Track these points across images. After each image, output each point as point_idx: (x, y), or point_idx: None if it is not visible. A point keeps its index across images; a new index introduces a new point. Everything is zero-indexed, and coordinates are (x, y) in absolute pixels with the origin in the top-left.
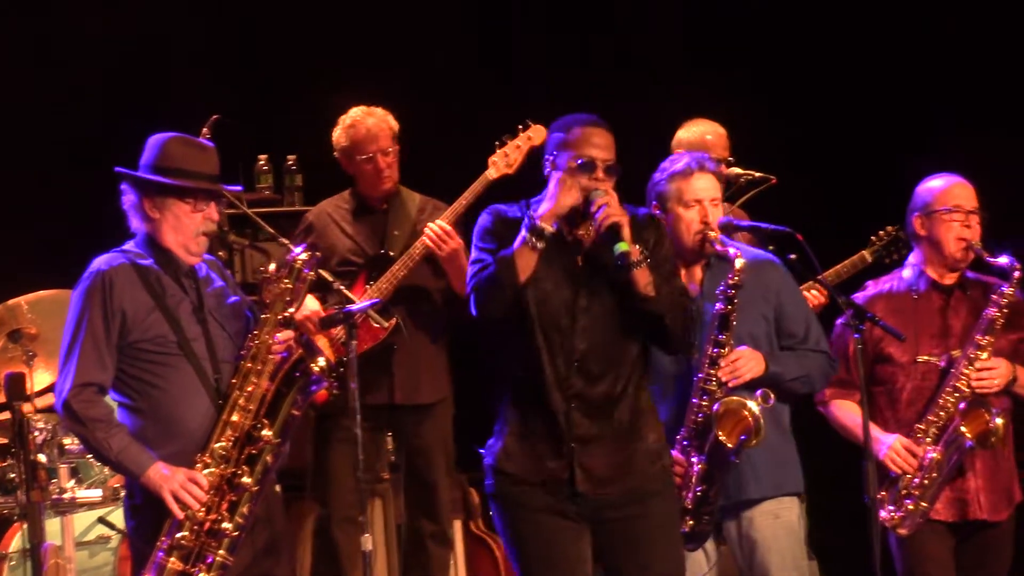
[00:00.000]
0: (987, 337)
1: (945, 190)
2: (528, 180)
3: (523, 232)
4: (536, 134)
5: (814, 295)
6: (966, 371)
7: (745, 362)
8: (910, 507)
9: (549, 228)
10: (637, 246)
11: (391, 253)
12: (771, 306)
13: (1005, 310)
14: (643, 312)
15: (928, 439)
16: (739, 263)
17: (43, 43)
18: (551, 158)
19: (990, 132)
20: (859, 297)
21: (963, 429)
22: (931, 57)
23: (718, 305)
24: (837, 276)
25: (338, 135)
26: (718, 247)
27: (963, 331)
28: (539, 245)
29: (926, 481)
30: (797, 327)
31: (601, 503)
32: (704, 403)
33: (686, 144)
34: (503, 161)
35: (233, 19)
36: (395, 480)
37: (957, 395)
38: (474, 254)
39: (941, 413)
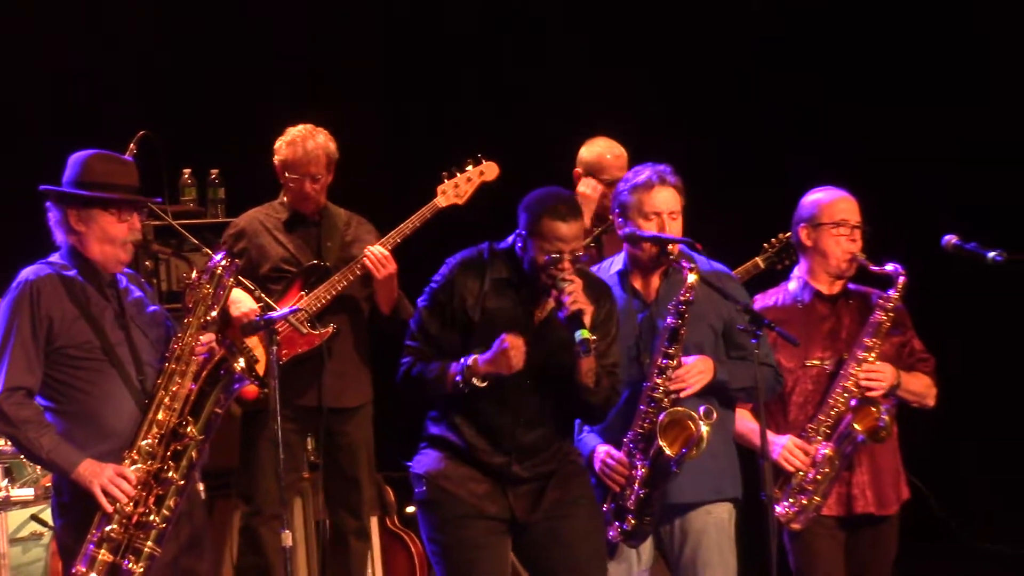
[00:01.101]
0: (874, 340)
1: (831, 203)
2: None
3: (457, 376)
4: (488, 171)
5: None
6: (854, 372)
7: (695, 373)
8: (804, 502)
9: (480, 384)
10: (592, 336)
11: (327, 264)
12: (721, 318)
13: (891, 314)
14: (578, 394)
15: (819, 437)
16: (691, 279)
17: None
18: (523, 235)
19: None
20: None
21: (855, 425)
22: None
23: (669, 319)
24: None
25: (279, 146)
26: (675, 261)
27: (848, 337)
28: (465, 391)
29: (819, 476)
30: (745, 340)
31: (528, 522)
32: (651, 411)
33: (585, 163)
34: (453, 191)
35: (162, 37)
36: (314, 479)
37: (847, 394)
38: (413, 322)
39: (832, 412)
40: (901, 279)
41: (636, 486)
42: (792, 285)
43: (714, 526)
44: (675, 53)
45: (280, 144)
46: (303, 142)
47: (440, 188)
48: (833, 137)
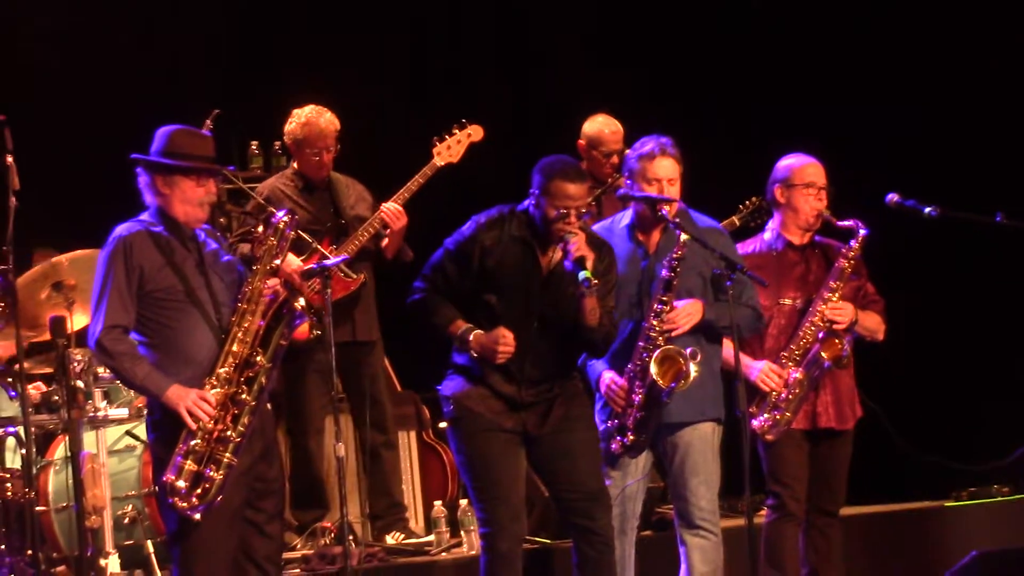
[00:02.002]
0: (837, 283)
1: (802, 167)
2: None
3: (456, 335)
4: (475, 132)
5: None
6: (821, 309)
7: (685, 316)
8: (777, 417)
9: (472, 354)
10: (594, 279)
11: (343, 222)
12: (710, 267)
13: (852, 262)
14: (581, 332)
15: (791, 363)
16: (683, 238)
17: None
18: (535, 194)
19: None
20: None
21: (822, 353)
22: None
23: (664, 272)
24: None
25: (292, 127)
26: (669, 221)
27: (815, 281)
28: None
29: (790, 396)
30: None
31: (538, 435)
32: (647, 347)
33: (588, 135)
34: (447, 152)
35: (231, 26)
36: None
37: (814, 328)
38: (435, 259)
39: (802, 342)
40: (862, 232)
41: (634, 409)
42: (767, 236)
43: (699, 440)
44: (672, 50)
45: (294, 124)
46: (317, 119)
47: (435, 150)
48: (799, 105)
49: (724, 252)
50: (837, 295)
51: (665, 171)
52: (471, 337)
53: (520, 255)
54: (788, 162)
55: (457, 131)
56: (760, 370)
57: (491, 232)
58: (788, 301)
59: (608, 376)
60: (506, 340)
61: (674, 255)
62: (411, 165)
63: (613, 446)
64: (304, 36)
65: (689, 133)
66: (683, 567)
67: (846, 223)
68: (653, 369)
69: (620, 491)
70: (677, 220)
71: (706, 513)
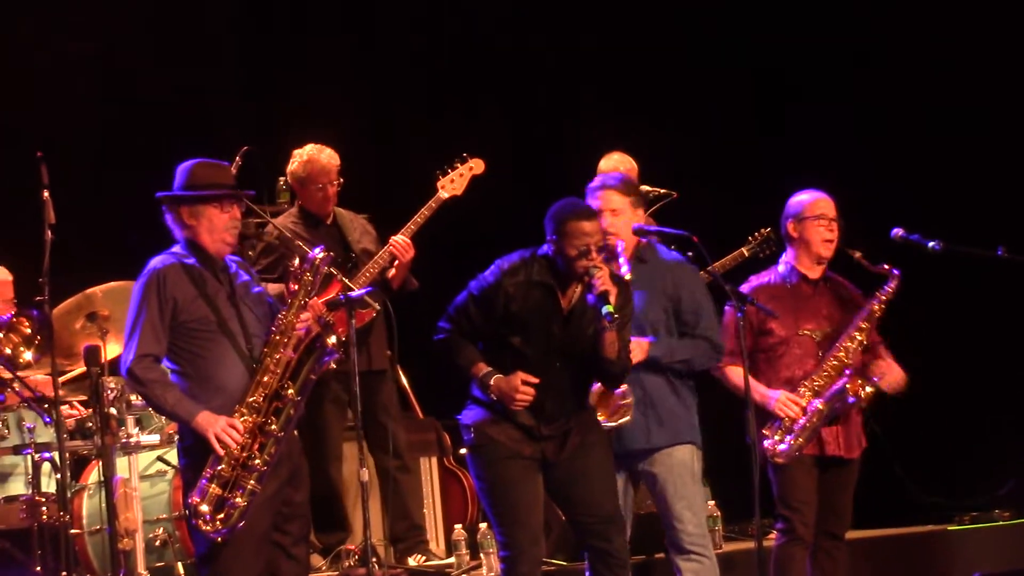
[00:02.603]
0: (867, 324)
1: (813, 202)
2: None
3: (478, 378)
4: (476, 165)
5: None
6: (848, 345)
7: (633, 350)
8: (791, 442)
9: (492, 397)
10: (616, 313)
11: (353, 255)
12: (671, 300)
13: (884, 305)
14: (600, 364)
15: (810, 393)
16: (628, 278)
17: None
18: (554, 239)
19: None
20: (746, 287)
21: (848, 387)
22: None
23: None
24: (723, 267)
25: (295, 166)
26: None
27: (828, 314)
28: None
29: (807, 424)
30: (689, 317)
31: (555, 461)
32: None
33: (605, 172)
34: (451, 185)
35: (258, 77)
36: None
37: (837, 363)
38: (460, 301)
39: (823, 375)
40: (895, 279)
41: None
42: (781, 268)
43: (678, 464)
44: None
45: (296, 163)
46: (318, 156)
47: (439, 184)
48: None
49: (692, 287)
50: (863, 335)
51: (605, 202)
52: (491, 382)
53: (542, 298)
54: (800, 198)
55: (459, 165)
56: (777, 399)
57: (514, 278)
58: (808, 332)
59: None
60: (524, 391)
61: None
62: (412, 199)
63: None
64: (323, 77)
65: (699, 170)
66: None
67: (881, 267)
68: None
69: None
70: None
71: (695, 537)
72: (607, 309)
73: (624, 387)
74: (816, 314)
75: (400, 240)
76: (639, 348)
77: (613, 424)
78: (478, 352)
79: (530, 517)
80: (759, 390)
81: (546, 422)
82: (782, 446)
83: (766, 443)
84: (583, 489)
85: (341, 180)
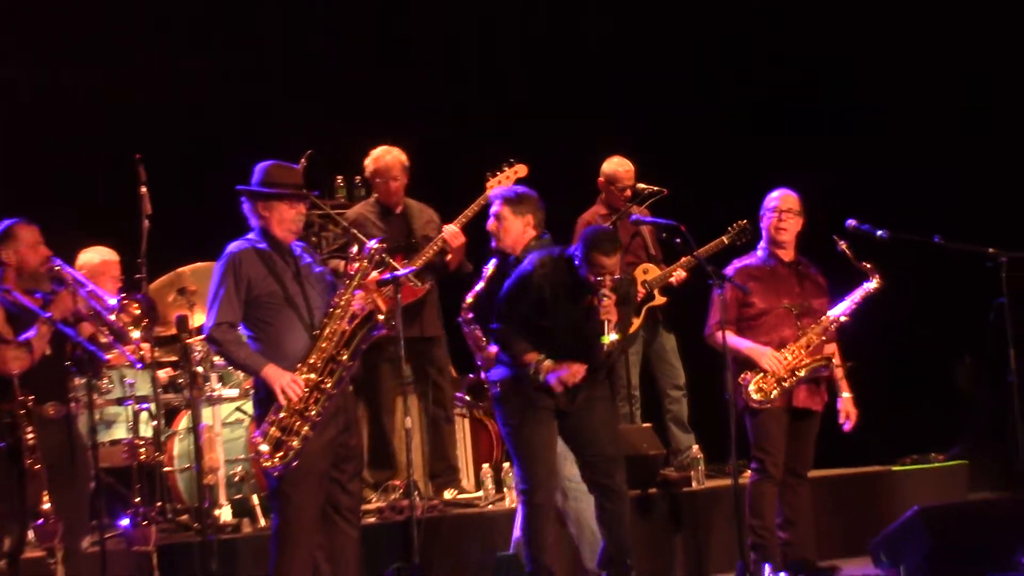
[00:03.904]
0: (846, 310)
1: (773, 197)
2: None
3: (530, 371)
4: (520, 169)
5: (679, 274)
6: (827, 326)
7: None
8: (772, 393)
9: (540, 381)
10: (613, 338)
11: (414, 240)
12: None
13: (861, 302)
14: (592, 356)
15: (792, 357)
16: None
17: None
18: (579, 257)
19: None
20: (730, 269)
21: (833, 362)
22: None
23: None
24: (706, 252)
25: (368, 163)
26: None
27: (802, 291)
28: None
29: (786, 384)
30: None
31: (567, 411)
32: None
33: (606, 173)
34: (497, 185)
35: (324, 82)
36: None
37: (816, 337)
38: (505, 293)
39: (805, 342)
40: (876, 281)
41: None
42: (759, 253)
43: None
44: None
45: (369, 160)
46: (385, 155)
47: (488, 183)
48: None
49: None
50: (841, 321)
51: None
52: (543, 367)
53: (567, 291)
54: (771, 195)
55: (507, 168)
56: (768, 354)
57: (544, 270)
58: (787, 305)
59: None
60: (575, 371)
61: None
62: (464, 195)
63: None
64: (383, 89)
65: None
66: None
67: (863, 265)
68: None
69: None
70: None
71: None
72: (603, 340)
73: None
74: (791, 291)
75: (450, 229)
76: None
77: None
78: (527, 343)
79: (545, 456)
80: (752, 347)
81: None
82: (758, 392)
83: (751, 387)
84: (590, 435)
85: (406, 177)
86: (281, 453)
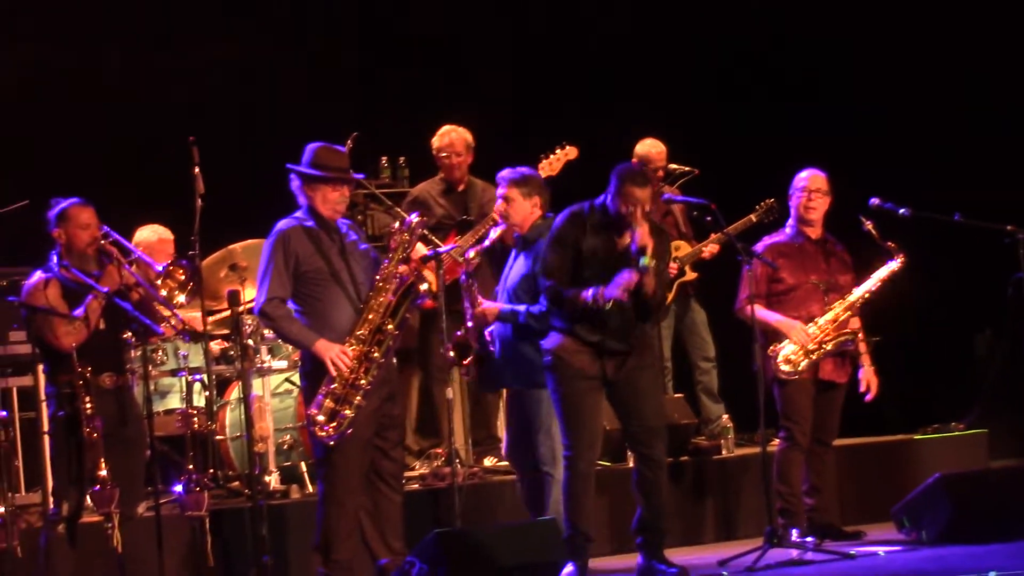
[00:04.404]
0: (873, 287)
1: (800, 176)
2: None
3: (589, 299)
4: (571, 151)
5: (709, 249)
6: (852, 301)
7: (488, 314)
8: (800, 365)
9: (605, 306)
10: (652, 261)
11: (471, 218)
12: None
13: (887, 280)
14: (639, 301)
15: (818, 332)
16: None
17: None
18: (612, 192)
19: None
20: (759, 245)
21: (859, 337)
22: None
23: (463, 279)
24: (735, 230)
25: (434, 140)
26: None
27: (828, 268)
28: (595, 308)
29: (813, 356)
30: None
31: (614, 380)
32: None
33: (639, 155)
34: (548, 167)
35: (372, 69)
36: None
37: (842, 312)
38: (549, 254)
39: (832, 317)
40: (900, 259)
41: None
42: (788, 230)
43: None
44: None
45: (435, 138)
46: (448, 134)
47: (540, 165)
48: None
49: None
50: (868, 297)
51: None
52: (600, 291)
53: (601, 239)
54: (801, 175)
55: (558, 150)
56: (798, 327)
57: (579, 219)
58: (815, 280)
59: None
60: (630, 280)
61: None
62: None
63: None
64: (429, 76)
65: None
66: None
67: (890, 244)
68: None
69: None
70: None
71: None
72: (643, 261)
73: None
74: (818, 267)
75: (502, 207)
76: (488, 313)
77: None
78: (577, 288)
79: (591, 424)
80: (782, 320)
81: (611, 338)
82: (786, 363)
83: (780, 355)
84: (635, 404)
85: (470, 155)
86: (335, 423)
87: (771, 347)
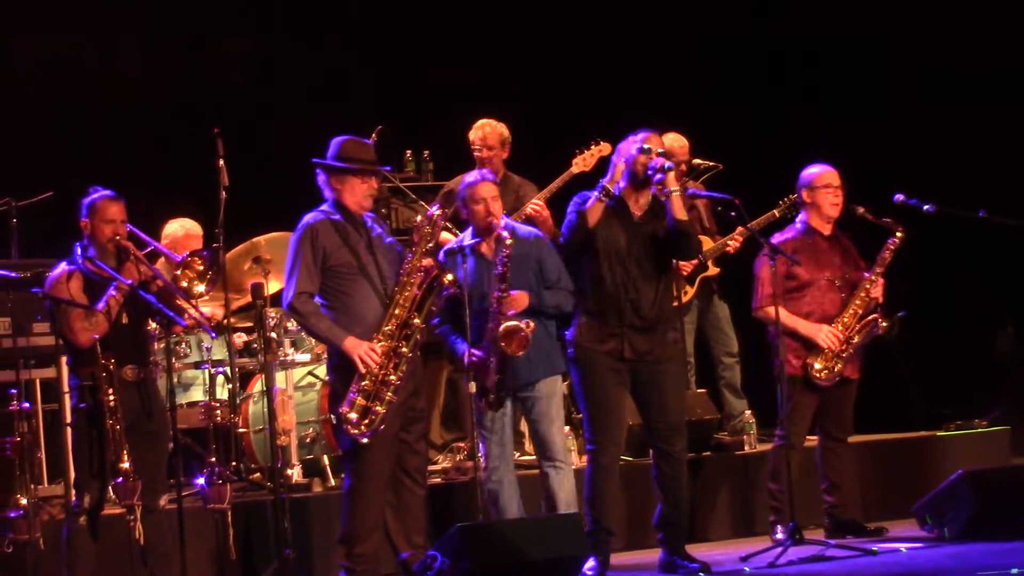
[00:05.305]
0: (880, 269)
1: (821, 174)
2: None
3: (595, 192)
4: (604, 148)
5: (734, 242)
6: (867, 287)
7: (518, 300)
8: (834, 368)
9: (611, 188)
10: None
11: (505, 211)
12: (537, 263)
13: (893, 253)
14: (675, 230)
15: (842, 328)
16: (508, 242)
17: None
18: (618, 153)
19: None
20: (774, 242)
21: (881, 322)
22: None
23: (499, 268)
24: (758, 225)
25: (470, 133)
26: (498, 230)
27: (841, 263)
28: (604, 200)
29: (845, 354)
30: (552, 275)
31: (638, 364)
32: (491, 326)
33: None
34: (582, 163)
35: (396, 62)
36: None
37: (861, 303)
38: (567, 219)
39: (850, 312)
40: (901, 230)
41: (493, 372)
42: (799, 226)
43: (547, 392)
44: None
45: (472, 131)
46: (483, 128)
47: (574, 161)
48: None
49: (551, 254)
50: (879, 277)
51: (488, 191)
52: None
53: (616, 212)
54: (811, 170)
55: (593, 146)
56: (823, 331)
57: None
58: (827, 277)
59: (469, 350)
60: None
61: (503, 252)
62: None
63: (480, 406)
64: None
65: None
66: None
67: (885, 221)
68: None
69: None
70: (504, 232)
71: (558, 450)
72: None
73: (529, 322)
74: (831, 263)
75: (536, 203)
76: (523, 299)
77: (520, 354)
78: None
79: (615, 419)
80: (807, 326)
81: (634, 306)
82: (826, 372)
83: (813, 369)
84: (658, 401)
85: (504, 150)
86: (367, 420)
87: (808, 360)
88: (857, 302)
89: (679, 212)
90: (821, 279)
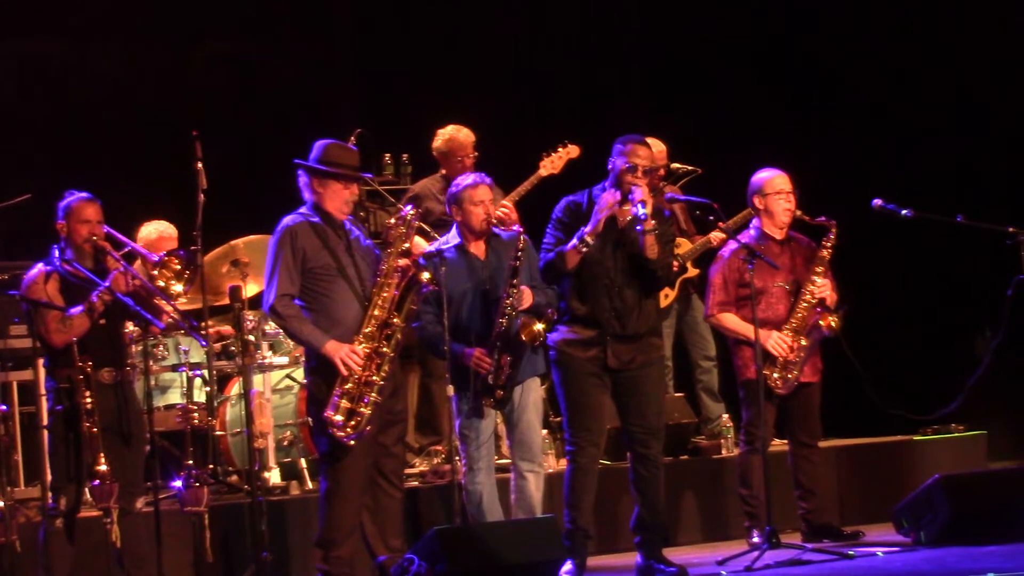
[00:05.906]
0: (821, 268)
1: (772, 179)
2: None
3: (575, 240)
4: (572, 151)
5: (716, 237)
6: (811, 289)
7: (527, 296)
8: (787, 376)
9: (591, 240)
10: (653, 221)
11: None
12: (528, 265)
13: (830, 250)
14: (644, 267)
15: (790, 332)
16: (523, 240)
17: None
18: (613, 158)
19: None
20: (726, 250)
21: (821, 323)
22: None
23: (512, 263)
24: (735, 225)
25: (439, 143)
26: (499, 230)
27: (795, 268)
28: (583, 250)
29: (797, 358)
30: (536, 275)
31: (621, 371)
32: (503, 321)
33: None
34: (550, 165)
35: (375, 66)
36: None
37: (807, 304)
38: (547, 236)
39: (798, 315)
40: (833, 228)
41: (504, 369)
42: (752, 232)
43: (529, 393)
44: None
45: (440, 140)
46: (457, 134)
47: (541, 163)
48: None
49: (532, 254)
50: (821, 276)
51: (487, 195)
52: (582, 236)
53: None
54: (761, 175)
55: (560, 149)
56: (770, 339)
57: (579, 208)
58: (781, 284)
59: (475, 351)
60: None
61: (518, 247)
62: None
63: (484, 404)
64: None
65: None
66: (513, 489)
67: (820, 220)
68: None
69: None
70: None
71: (536, 451)
72: (642, 210)
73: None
74: (783, 268)
75: (506, 206)
76: (530, 295)
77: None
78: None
79: (595, 423)
80: (751, 333)
81: (617, 315)
82: (781, 380)
83: (771, 379)
84: (638, 405)
85: (476, 154)
86: (353, 422)
87: (767, 370)
88: (803, 305)
89: (650, 252)
90: (772, 286)
